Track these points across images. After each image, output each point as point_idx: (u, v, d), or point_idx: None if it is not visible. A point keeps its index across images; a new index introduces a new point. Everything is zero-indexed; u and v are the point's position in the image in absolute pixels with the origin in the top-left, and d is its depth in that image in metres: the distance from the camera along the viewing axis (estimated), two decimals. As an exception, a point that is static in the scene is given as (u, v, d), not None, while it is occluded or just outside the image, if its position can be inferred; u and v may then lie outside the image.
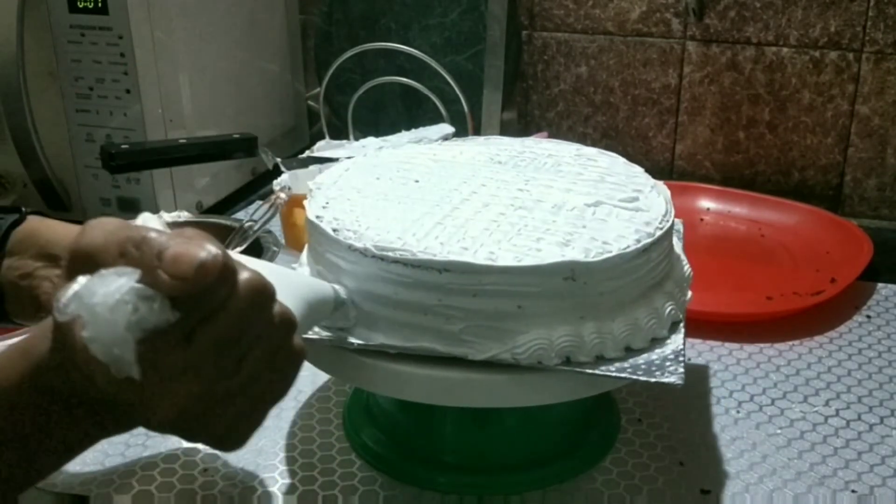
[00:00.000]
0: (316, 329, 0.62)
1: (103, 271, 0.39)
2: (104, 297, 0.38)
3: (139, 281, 0.39)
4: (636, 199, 0.66)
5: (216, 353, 0.41)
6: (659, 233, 0.62)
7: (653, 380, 0.58)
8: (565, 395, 0.61)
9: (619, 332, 0.60)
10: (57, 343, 0.41)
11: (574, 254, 0.58)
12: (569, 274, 0.58)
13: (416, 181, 0.69)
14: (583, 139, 1.24)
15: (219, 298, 0.40)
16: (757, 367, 0.82)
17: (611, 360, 0.59)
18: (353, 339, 0.61)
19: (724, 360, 0.83)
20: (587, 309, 0.59)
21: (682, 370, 0.58)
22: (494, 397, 0.60)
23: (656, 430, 0.73)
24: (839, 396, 0.77)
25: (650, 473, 0.68)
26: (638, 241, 0.60)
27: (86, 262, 0.41)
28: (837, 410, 0.76)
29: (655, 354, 0.60)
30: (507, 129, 1.23)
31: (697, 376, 0.80)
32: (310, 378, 0.79)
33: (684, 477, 0.68)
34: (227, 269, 0.40)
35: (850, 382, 0.79)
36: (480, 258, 0.57)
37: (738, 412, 0.75)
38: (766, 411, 0.76)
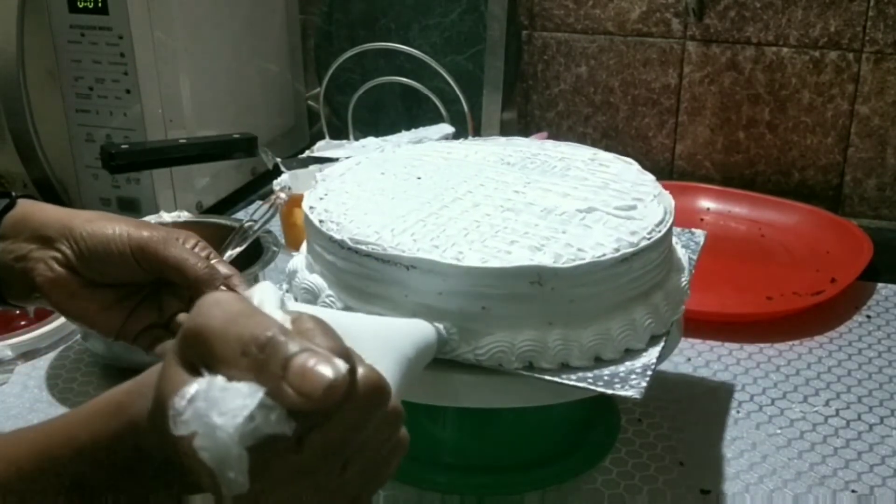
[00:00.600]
0: None
1: (227, 385, 0.36)
2: (224, 416, 0.35)
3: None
4: (633, 207, 0.64)
5: (327, 456, 0.38)
6: (644, 243, 0.60)
7: (609, 391, 0.56)
8: (523, 400, 0.60)
9: (588, 340, 0.58)
10: (162, 430, 0.38)
11: (543, 258, 0.57)
12: (535, 278, 0.57)
13: (419, 178, 0.70)
14: (583, 139, 1.24)
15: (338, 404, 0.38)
16: (757, 367, 0.82)
17: (576, 369, 0.58)
18: None
19: (724, 360, 0.83)
20: (556, 315, 0.58)
21: (644, 384, 0.56)
22: (455, 397, 0.60)
23: (656, 430, 0.73)
24: (839, 396, 0.77)
25: (650, 473, 0.68)
26: (617, 249, 0.59)
27: (200, 346, 0.38)
28: (837, 410, 0.76)
29: (624, 367, 0.59)
30: (507, 129, 1.23)
31: (697, 377, 0.80)
32: (310, 378, 0.79)
33: (684, 477, 0.68)
34: (353, 380, 0.38)
35: (850, 382, 0.79)
36: (447, 257, 0.57)
37: (737, 412, 0.75)
38: (766, 411, 0.76)
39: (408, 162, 0.73)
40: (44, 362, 0.83)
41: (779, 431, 0.73)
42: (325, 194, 0.67)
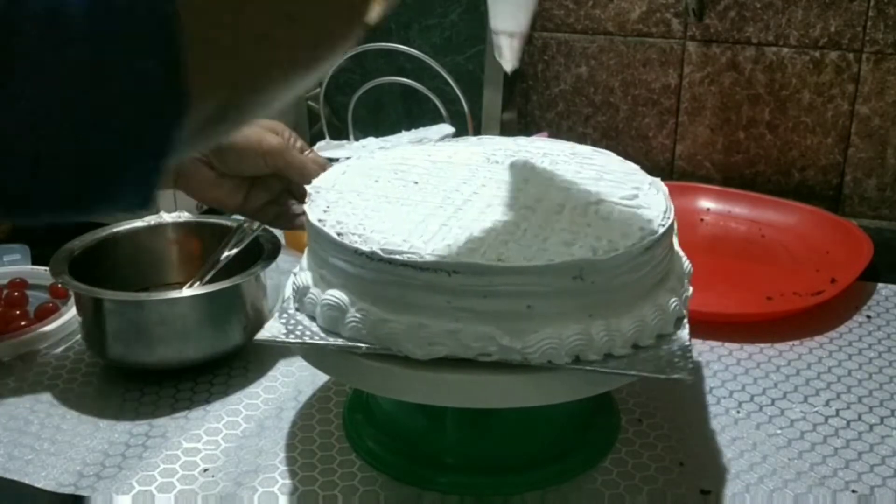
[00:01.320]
0: (320, 335, 0.62)
1: None
2: None
3: None
4: (636, 196, 0.67)
5: None
6: (661, 230, 0.62)
7: (662, 376, 0.58)
8: (575, 393, 0.61)
9: (627, 329, 0.60)
10: None
11: (582, 252, 0.58)
12: (577, 273, 0.58)
13: (416, 182, 0.69)
14: (583, 139, 1.24)
15: None
16: (757, 367, 0.82)
17: (619, 358, 0.60)
18: (362, 344, 0.60)
19: (724, 360, 0.83)
20: (595, 307, 0.59)
21: (690, 366, 0.59)
22: (506, 398, 0.60)
23: (656, 430, 0.73)
24: (839, 397, 0.77)
25: (650, 474, 0.68)
26: (642, 238, 0.61)
27: None
28: (838, 410, 0.76)
29: (663, 350, 0.61)
30: (507, 129, 1.23)
31: (697, 376, 0.80)
32: (310, 378, 0.79)
33: (684, 477, 0.68)
34: None
35: (850, 383, 0.79)
36: (490, 259, 0.57)
37: (738, 412, 0.75)
38: (766, 411, 0.76)
39: (395, 167, 0.72)
40: (44, 362, 0.83)
41: (779, 432, 0.73)
42: (328, 206, 0.66)
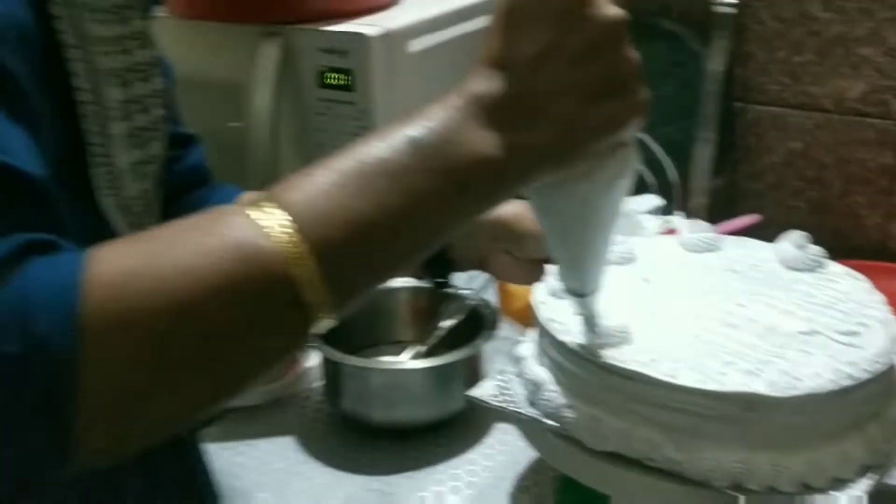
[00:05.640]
0: (521, 403, 0.67)
1: None
2: None
3: None
4: (857, 333, 0.63)
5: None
6: (865, 376, 0.59)
7: None
8: None
9: (797, 467, 0.58)
10: None
11: (757, 386, 0.58)
12: (746, 406, 0.58)
13: (645, 280, 0.72)
14: (791, 213, 1.23)
15: None
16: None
17: (785, 494, 0.59)
18: (549, 422, 0.65)
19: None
20: (766, 439, 0.59)
21: None
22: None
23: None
24: None
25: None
26: (834, 381, 0.58)
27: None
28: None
29: (831, 497, 0.58)
30: (714, 201, 1.23)
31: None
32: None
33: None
34: None
35: None
36: (662, 373, 0.59)
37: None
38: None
39: (647, 259, 0.74)
40: (291, 411, 0.90)
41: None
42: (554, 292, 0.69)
